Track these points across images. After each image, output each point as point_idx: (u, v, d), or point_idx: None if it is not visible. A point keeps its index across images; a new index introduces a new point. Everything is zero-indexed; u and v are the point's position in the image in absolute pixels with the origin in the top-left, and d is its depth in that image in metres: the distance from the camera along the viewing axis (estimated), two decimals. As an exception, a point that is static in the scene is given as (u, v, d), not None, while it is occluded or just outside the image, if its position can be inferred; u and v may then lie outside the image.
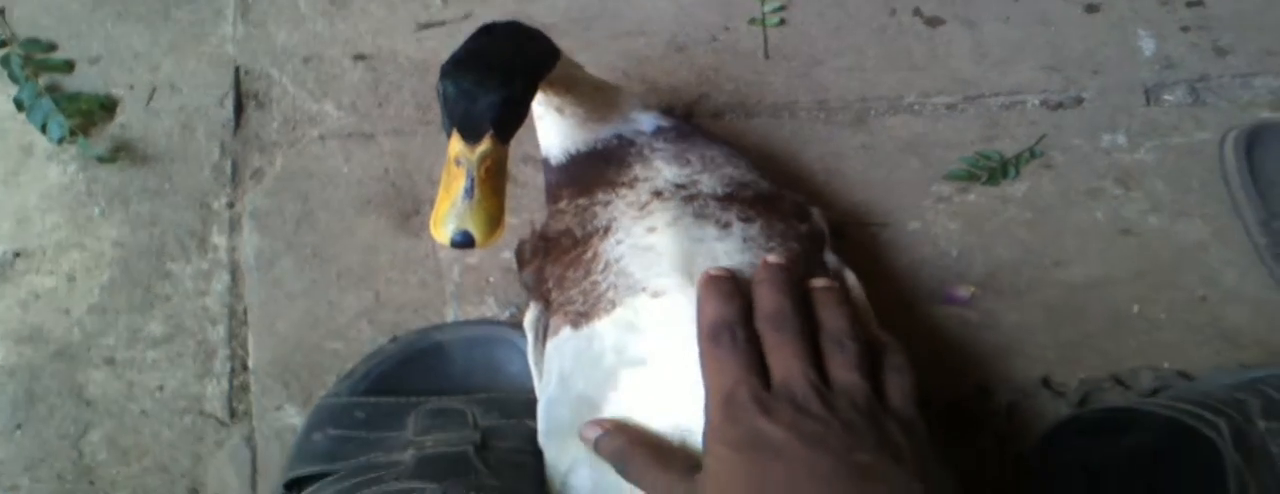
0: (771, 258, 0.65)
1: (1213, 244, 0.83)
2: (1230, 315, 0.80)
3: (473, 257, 0.80)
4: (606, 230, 0.69)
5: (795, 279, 0.64)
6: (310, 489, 0.62)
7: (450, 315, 0.79)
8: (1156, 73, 0.91)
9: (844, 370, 0.61)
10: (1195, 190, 0.85)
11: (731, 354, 0.60)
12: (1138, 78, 0.91)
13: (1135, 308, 0.81)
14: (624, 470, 0.60)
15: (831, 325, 0.63)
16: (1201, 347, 0.79)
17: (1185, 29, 0.92)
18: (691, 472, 0.58)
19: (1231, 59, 0.92)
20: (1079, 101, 0.89)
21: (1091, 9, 0.93)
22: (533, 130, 0.75)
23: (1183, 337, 0.79)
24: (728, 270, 0.64)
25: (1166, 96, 0.90)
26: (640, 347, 0.63)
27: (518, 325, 0.72)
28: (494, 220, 0.60)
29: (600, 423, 0.62)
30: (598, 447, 0.62)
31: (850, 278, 0.70)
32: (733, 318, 0.61)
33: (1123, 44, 0.92)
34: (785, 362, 0.60)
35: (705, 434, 0.59)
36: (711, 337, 0.61)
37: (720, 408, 0.59)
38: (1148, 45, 0.92)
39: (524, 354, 0.70)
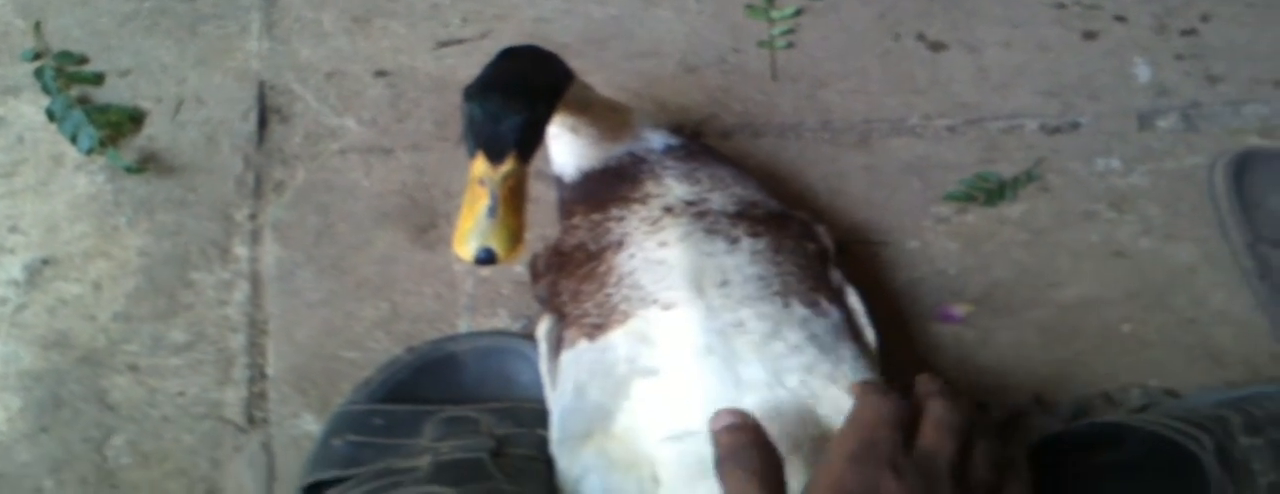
0: None
1: (1202, 266, 0.84)
2: (1218, 336, 0.82)
3: (486, 270, 0.81)
4: (619, 244, 0.71)
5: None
6: (331, 491, 0.64)
7: (464, 327, 0.80)
8: (1151, 99, 0.92)
9: (984, 469, 0.59)
10: (1186, 214, 0.87)
11: (888, 402, 0.59)
12: (1133, 104, 0.92)
13: (1126, 328, 0.82)
14: (722, 468, 0.59)
15: (987, 430, 0.61)
16: (1190, 366, 0.80)
17: (1179, 57, 0.94)
18: None
19: (1223, 87, 0.93)
20: (1076, 126, 0.91)
21: (1089, 36, 0.94)
22: (544, 148, 0.76)
23: (1172, 356, 0.81)
24: None
25: (1160, 122, 0.91)
26: (652, 357, 0.65)
27: (529, 337, 0.74)
28: (515, 237, 0.61)
29: (736, 413, 0.60)
30: (717, 436, 0.60)
31: (851, 295, 0.72)
32: (899, 390, 0.60)
33: (1119, 71, 0.94)
34: (940, 435, 0.59)
35: (820, 473, 0.57)
36: (875, 390, 0.60)
37: (853, 447, 0.57)
38: (1143, 72, 0.94)
39: (535, 365, 0.72)
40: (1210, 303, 0.83)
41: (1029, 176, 0.88)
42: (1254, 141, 0.90)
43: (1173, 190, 0.88)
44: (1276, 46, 0.94)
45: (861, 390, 0.60)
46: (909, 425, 0.58)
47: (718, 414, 0.61)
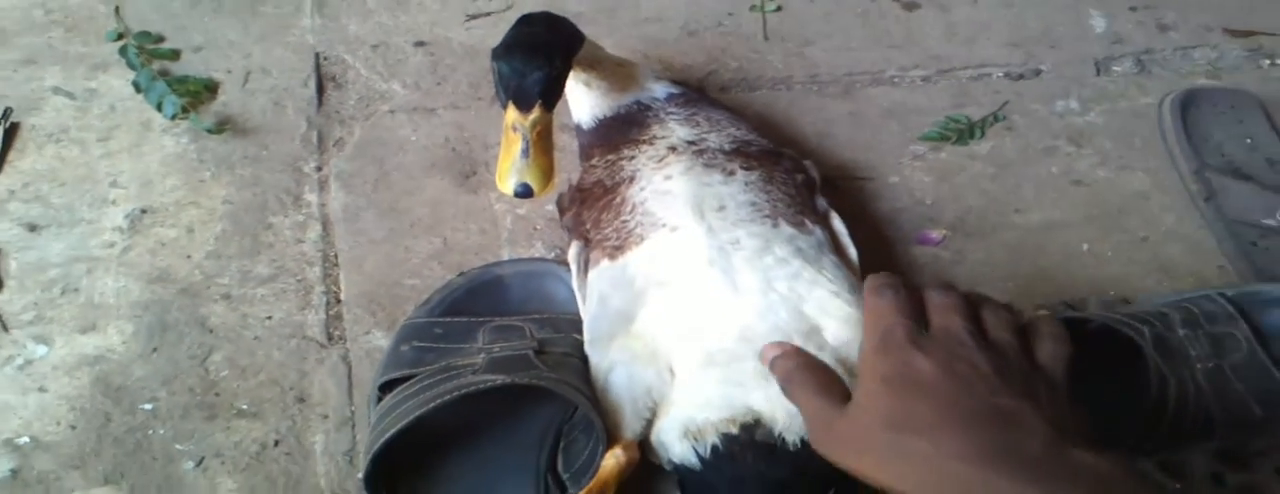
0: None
1: (1153, 192, 0.91)
2: (1168, 252, 0.88)
3: (522, 208, 0.88)
4: (632, 179, 0.79)
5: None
6: (401, 386, 0.71)
7: (505, 256, 0.86)
8: (1106, 47, 1.00)
9: (1000, 330, 0.61)
10: (1138, 147, 0.94)
11: (892, 301, 0.61)
12: (1090, 52, 1.00)
13: (1085, 246, 0.88)
14: (786, 390, 0.64)
15: (992, 302, 0.63)
16: (1143, 279, 0.86)
17: (1133, 9, 1.03)
18: (845, 401, 0.60)
19: (1173, 34, 1.01)
20: (1038, 73, 0.99)
21: None
22: (564, 101, 0.84)
23: (1127, 270, 0.86)
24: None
25: (1115, 68, 0.99)
26: (663, 271, 0.73)
27: (562, 262, 0.81)
28: (547, 174, 0.71)
29: (781, 345, 0.66)
30: (772, 366, 0.65)
31: (836, 220, 0.79)
32: (898, 282, 0.63)
33: (1077, 23, 1.02)
34: (945, 314, 0.61)
35: (860, 370, 0.61)
36: (875, 290, 0.63)
37: (876, 345, 0.60)
38: (1099, 23, 1.02)
39: (568, 284, 0.79)
40: (1162, 223, 0.89)
41: (995, 118, 0.95)
42: (1201, 82, 0.98)
43: (1126, 127, 0.95)
44: (1222, -4, 1.01)
45: (867, 290, 0.63)
46: (918, 315, 0.61)
47: (765, 349, 0.66)
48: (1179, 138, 0.93)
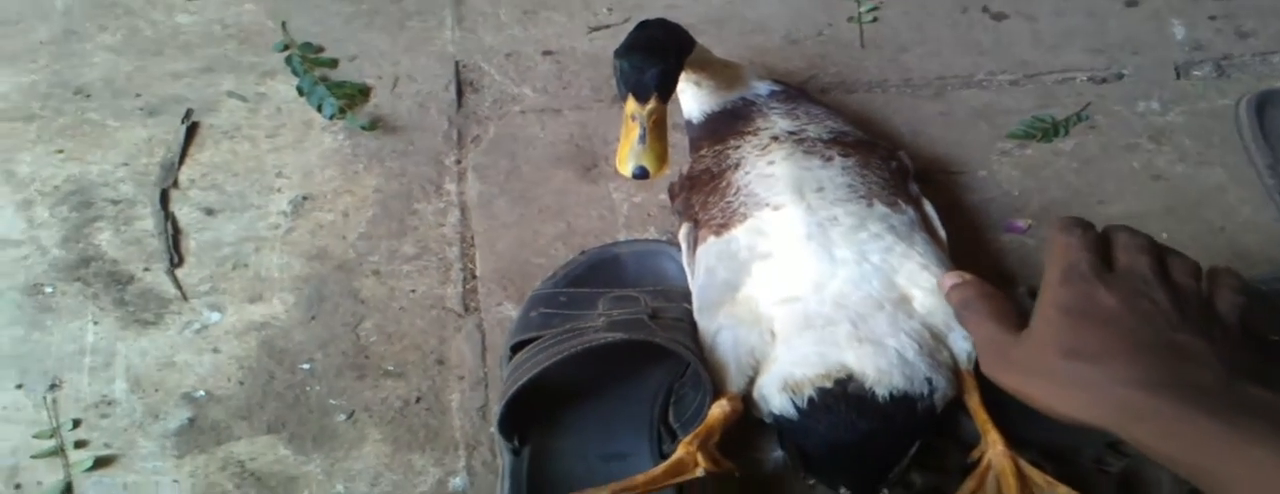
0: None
1: (1230, 186, 0.94)
2: (1244, 241, 0.90)
3: (637, 196, 0.95)
4: (737, 166, 0.85)
5: None
6: (530, 346, 0.79)
7: (622, 238, 0.92)
8: (1187, 53, 1.04)
9: (1183, 275, 0.61)
10: (1216, 145, 0.97)
11: (1079, 238, 0.62)
12: (1170, 57, 1.04)
13: (1165, 235, 0.90)
14: (961, 317, 0.67)
15: (1175, 251, 0.64)
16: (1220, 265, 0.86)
17: (1212, 18, 1.07)
18: (1018, 330, 0.61)
19: (1253, 41, 1.05)
20: (1120, 77, 1.03)
21: (1131, 3, 1.08)
22: (675, 101, 0.90)
23: (1203, 257, 0.76)
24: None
25: (1195, 72, 1.03)
26: (766, 245, 0.78)
27: (674, 243, 0.86)
28: (661, 158, 0.77)
29: (959, 274, 0.69)
30: (948, 294, 0.69)
31: (926, 203, 0.85)
32: (1086, 222, 0.64)
33: (1158, 31, 1.06)
34: (1132, 253, 0.61)
35: (1039, 301, 0.61)
36: (1063, 228, 0.63)
37: (1059, 277, 0.60)
38: (1179, 31, 1.06)
39: (678, 261, 0.85)
40: (1238, 215, 0.92)
41: (1079, 118, 1.00)
42: (1279, 84, 1.00)
43: (1205, 126, 0.98)
44: (1304, 4, 1.03)
45: (1055, 229, 0.64)
46: (1104, 253, 0.62)
47: (943, 279, 0.70)
48: (1255, 136, 0.96)
